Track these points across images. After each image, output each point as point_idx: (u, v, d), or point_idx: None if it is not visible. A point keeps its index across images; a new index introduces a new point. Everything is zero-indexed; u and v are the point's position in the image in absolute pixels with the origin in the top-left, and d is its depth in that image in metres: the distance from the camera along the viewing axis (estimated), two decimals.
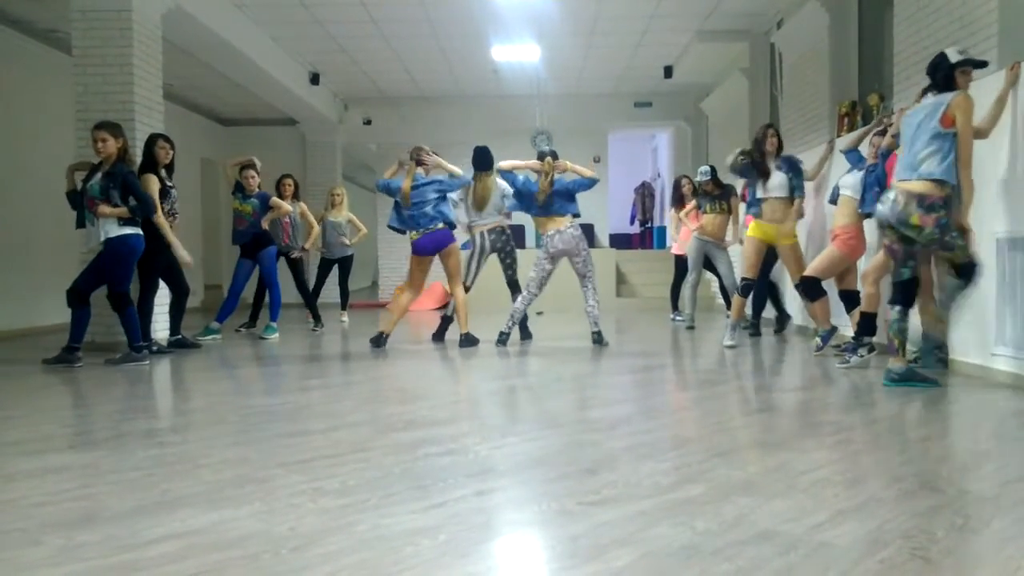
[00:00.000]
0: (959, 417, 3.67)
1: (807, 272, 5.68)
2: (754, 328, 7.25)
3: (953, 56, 4.11)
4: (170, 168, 6.24)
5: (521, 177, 6.44)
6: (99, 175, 5.38)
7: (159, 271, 6.18)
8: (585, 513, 2.17)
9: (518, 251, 7.05)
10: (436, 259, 6.49)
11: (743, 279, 6.24)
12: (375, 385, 4.78)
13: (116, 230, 5.37)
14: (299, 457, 2.85)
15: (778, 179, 6.07)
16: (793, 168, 6.07)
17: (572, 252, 6.34)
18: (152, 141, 6.13)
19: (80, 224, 5.60)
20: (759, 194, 6.18)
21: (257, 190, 7.47)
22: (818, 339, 5.69)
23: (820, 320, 5.70)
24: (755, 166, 6.18)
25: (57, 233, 8.27)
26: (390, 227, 6.52)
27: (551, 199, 6.29)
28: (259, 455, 2.89)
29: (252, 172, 7.47)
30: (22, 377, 5.13)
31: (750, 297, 6.62)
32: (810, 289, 5.61)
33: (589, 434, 3.23)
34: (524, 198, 6.43)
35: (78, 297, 5.40)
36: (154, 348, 6.00)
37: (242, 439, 3.19)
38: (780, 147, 6.21)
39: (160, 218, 5.91)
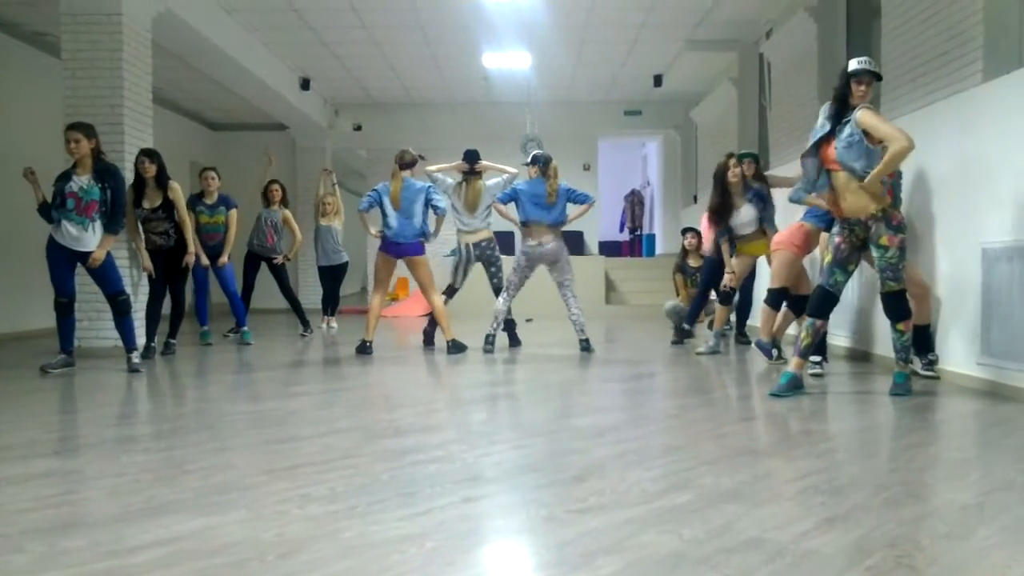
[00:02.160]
0: (944, 426, 3.69)
1: (773, 285, 5.71)
2: (743, 336, 7.27)
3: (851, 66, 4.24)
4: (160, 180, 6.14)
5: (520, 184, 6.47)
6: (85, 178, 5.31)
7: (167, 277, 6.34)
8: (572, 520, 2.17)
9: (504, 257, 7.06)
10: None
11: (727, 287, 6.29)
12: (362, 392, 4.77)
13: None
14: (286, 464, 2.83)
15: (749, 214, 6.13)
16: (763, 199, 6.13)
17: (552, 261, 6.41)
18: (136, 157, 6.18)
19: (52, 219, 5.34)
20: (735, 228, 6.24)
21: (216, 194, 7.24)
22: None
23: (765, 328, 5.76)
24: (719, 212, 6.20)
25: (45, 237, 8.21)
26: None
27: (556, 202, 6.34)
28: (245, 461, 2.88)
29: (212, 173, 7.26)
30: (7, 382, 5.09)
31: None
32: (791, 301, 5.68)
33: (577, 441, 3.23)
34: (527, 199, 6.40)
35: (69, 305, 5.38)
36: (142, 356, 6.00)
37: (228, 445, 3.18)
38: (752, 174, 6.21)
39: (130, 232, 6.12)
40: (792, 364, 4.36)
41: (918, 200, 5.18)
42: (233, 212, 7.30)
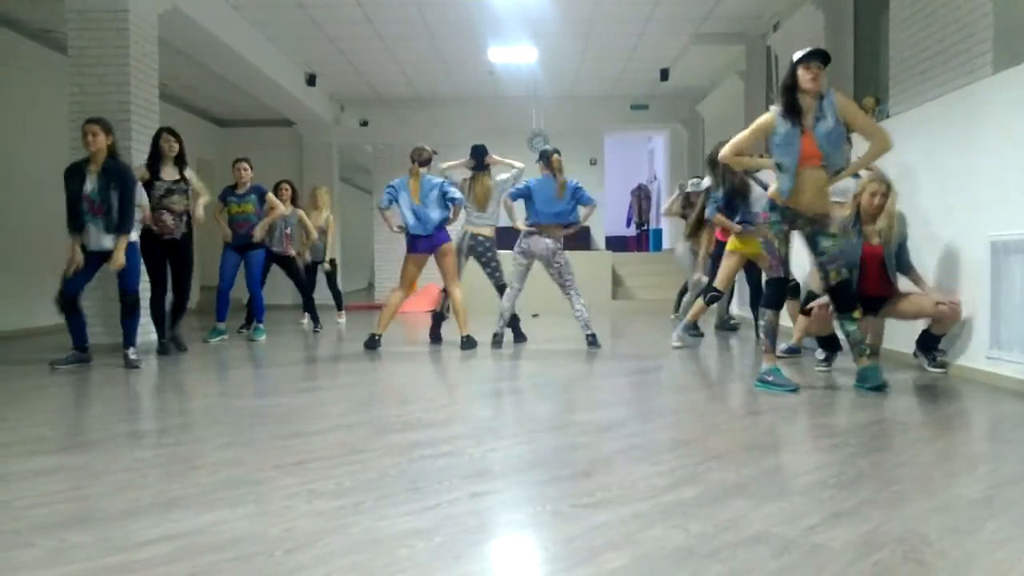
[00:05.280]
0: (953, 420, 3.68)
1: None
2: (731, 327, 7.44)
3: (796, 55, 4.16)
4: (180, 160, 6.19)
5: (532, 181, 6.45)
6: (95, 178, 5.31)
7: (165, 270, 6.24)
8: (579, 515, 2.17)
9: (503, 252, 7.03)
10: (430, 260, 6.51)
11: (713, 289, 6.30)
12: (370, 387, 4.78)
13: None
14: (294, 459, 2.84)
15: (759, 193, 6.06)
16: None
17: (545, 260, 6.39)
18: (157, 135, 6.18)
19: (76, 228, 5.35)
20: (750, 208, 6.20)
21: (248, 184, 7.30)
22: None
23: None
24: (733, 194, 6.15)
25: (51, 233, 8.25)
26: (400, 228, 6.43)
27: (564, 195, 6.34)
28: (253, 456, 2.89)
29: (244, 164, 7.31)
30: (15, 378, 5.11)
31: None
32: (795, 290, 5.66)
33: (584, 436, 3.22)
34: (539, 202, 6.37)
35: (72, 303, 5.37)
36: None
37: (236, 440, 3.18)
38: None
39: (145, 219, 5.98)
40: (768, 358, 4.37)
41: (927, 193, 5.15)
42: (269, 196, 7.34)
